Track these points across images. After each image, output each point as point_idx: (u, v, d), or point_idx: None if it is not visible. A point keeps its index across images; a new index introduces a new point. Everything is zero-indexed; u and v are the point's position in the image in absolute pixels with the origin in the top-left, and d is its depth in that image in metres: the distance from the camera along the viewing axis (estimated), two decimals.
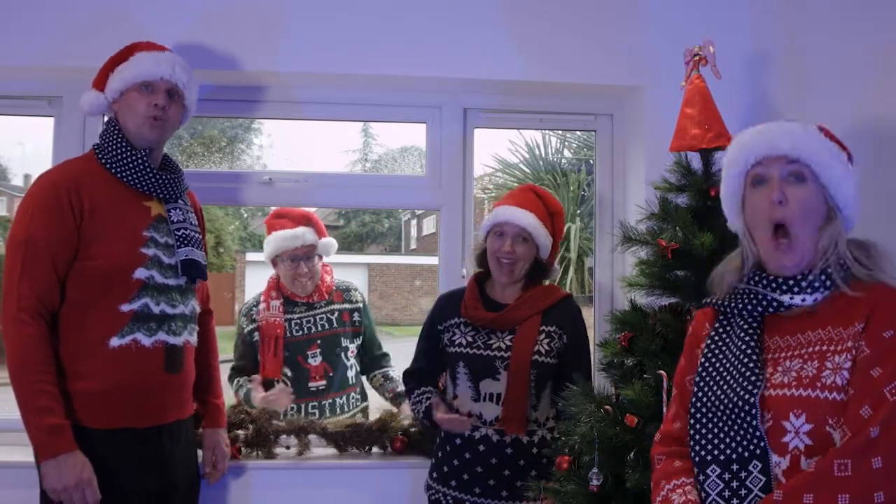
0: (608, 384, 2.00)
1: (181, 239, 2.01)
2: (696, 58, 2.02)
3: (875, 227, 2.08)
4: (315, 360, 2.74)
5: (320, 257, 2.85)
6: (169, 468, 1.99)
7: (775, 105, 2.44)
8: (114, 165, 1.96)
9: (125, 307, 1.90)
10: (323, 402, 2.73)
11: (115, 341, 1.89)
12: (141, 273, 1.93)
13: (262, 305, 2.79)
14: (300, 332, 2.76)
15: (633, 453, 1.73)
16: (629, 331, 1.93)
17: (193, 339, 2.07)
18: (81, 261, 1.89)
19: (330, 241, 2.85)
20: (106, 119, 2.04)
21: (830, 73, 2.28)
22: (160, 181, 1.99)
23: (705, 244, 1.79)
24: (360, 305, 2.87)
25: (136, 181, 1.97)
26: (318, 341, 2.76)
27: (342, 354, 2.79)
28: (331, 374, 2.74)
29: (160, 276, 1.96)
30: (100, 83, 2.03)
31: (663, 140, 2.10)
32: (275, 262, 2.82)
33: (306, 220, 2.79)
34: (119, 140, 1.97)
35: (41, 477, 1.82)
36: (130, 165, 1.96)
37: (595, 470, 1.77)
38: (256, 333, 2.75)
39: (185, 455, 2.07)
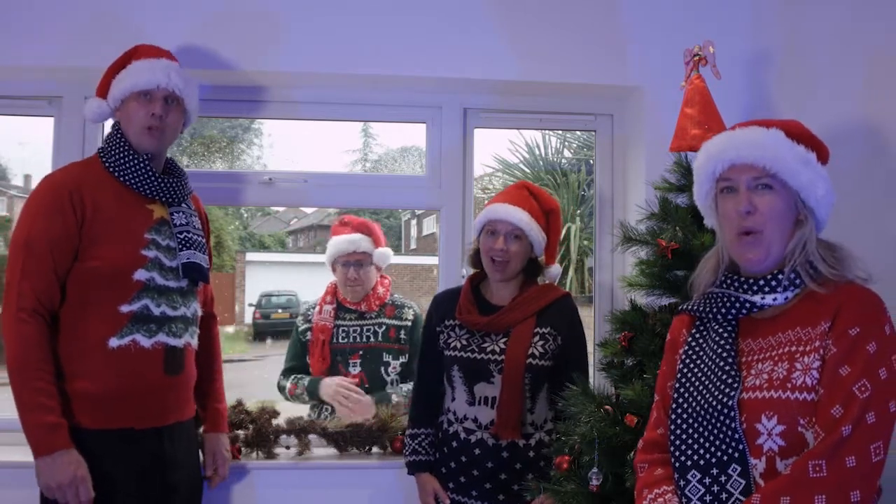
0: (608, 384, 2.00)
1: (183, 242, 2.02)
2: (696, 58, 2.02)
3: (873, 225, 2.09)
4: (354, 370, 2.76)
5: (379, 269, 2.91)
6: (169, 470, 1.98)
7: (775, 105, 2.44)
8: (117, 169, 1.98)
9: (125, 308, 1.91)
10: None
11: (114, 342, 1.90)
12: (141, 274, 1.94)
13: (316, 308, 2.88)
14: (345, 340, 2.80)
15: (632, 453, 1.73)
16: (629, 331, 1.93)
17: (194, 342, 2.08)
18: (82, 261, 1.90)
19: (385, 252, 2.90)
20: (112, 123, 2.07)
21: (830, 73, 2.28)
22: (163, 185, 2.01)
23: (705, 244, 1.79)
24: (409, 324, 2.85)
25: (139, 184, 1.99)
26: (360, 352, 2.79)
27: (382, 369, 2.80)
28: (366, 386, 2.74)
29: (161, 278, 1.97)
30: (102, 91, 2.06)
31: (663, 140, 2.10)
32: (334, 267, 2.89)
33: (364, 229, 2.87)
34: (122, 145, 1.99)
35: (37, 474, 1.83)
36: (133, 169, 1.98)
37: (595, 470, 1.77)
38: (309, 333, 2.83)
39: (186, 457, 2.07)
